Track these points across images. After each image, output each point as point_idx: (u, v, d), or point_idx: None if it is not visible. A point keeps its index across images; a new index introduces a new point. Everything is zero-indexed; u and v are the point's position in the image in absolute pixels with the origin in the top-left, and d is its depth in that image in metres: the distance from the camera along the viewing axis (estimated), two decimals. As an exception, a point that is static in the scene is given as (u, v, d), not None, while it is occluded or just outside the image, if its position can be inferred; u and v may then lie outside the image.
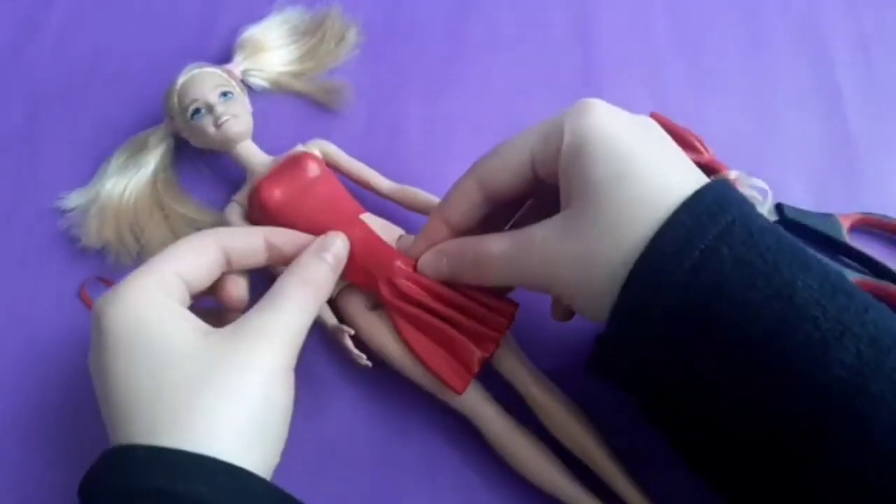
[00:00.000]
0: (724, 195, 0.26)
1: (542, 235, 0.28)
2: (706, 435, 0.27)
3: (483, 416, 0.33)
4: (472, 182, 0.31)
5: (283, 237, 0.32)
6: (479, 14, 0.47)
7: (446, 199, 0.32)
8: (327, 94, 0.43)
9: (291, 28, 0.45)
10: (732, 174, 0.39)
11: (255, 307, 0.29)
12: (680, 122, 0.39)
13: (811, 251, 0.26)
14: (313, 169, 0.36)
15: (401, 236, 0.35)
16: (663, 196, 0.26)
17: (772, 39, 0.46)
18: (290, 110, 0.43)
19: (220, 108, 0.37)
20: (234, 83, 0.40)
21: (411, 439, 0.35)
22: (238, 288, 0.31)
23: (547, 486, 0.32)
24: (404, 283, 0.33)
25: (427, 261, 0.32)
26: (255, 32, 0.43)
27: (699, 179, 0.27)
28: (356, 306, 0.34)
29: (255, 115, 0.40)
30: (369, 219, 0.36)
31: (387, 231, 0.35)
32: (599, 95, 0.29)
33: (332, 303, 0.35)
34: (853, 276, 0.37)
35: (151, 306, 0.27)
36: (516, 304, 0.33)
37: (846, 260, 0.38)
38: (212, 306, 0.31)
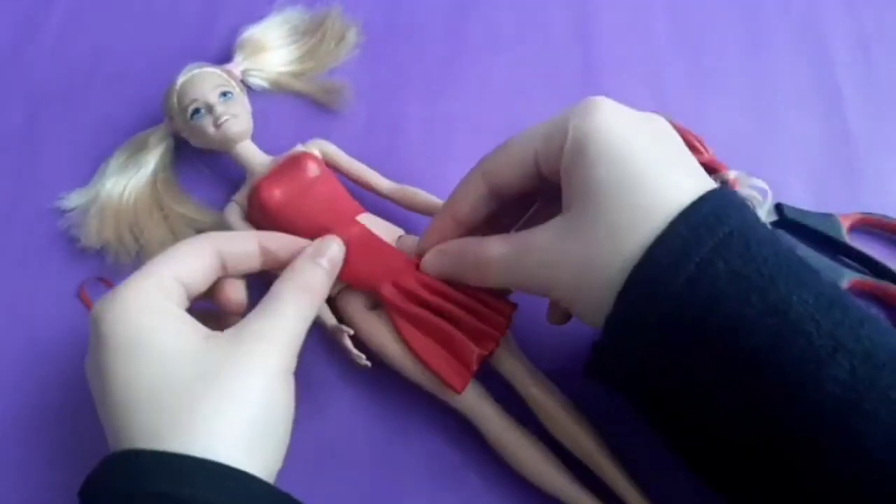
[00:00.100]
0: (723, 205, 0.26)
1: (540, 240, 0.28)
2: (703, 443, 0.27)
3: (483, 416, 0.33)
4: (479, 176, 0.31)
5: (278, 242, 0.32)
6: (479, 14, 0.47)
7: (454, 193, 0.32)
8: (327, 94, 0.43)
9: (291, 28, 0.45)
10: (732, 174, 0.39)
11: (254, 312, 0.29)
12: (680, 122, 0.39)
13: (810, 262, 0.26)
14: (313, 169, 0.36)
15: (401, 236, 0.35)
16: (663, 203, 0.26)
17: (772, 39, 0.46)
18: (290, 110, 0.43)
19: (219, 108, 0.37)
20: (233, 83, 0.39)
21: (411, 439, 0.35)
22: (237, 292, 0.31)
23: (547, 486, 0.32)
24: (407, 282, 0.33)
25: (429, 260, 0.33)
26: (255, 32, 0.43)
27: (703, 184, 0.27)
28: (355, 306, 0.34)
29: (255, 115, 0.40)
30: (369, 219, 0.36)
31: (387, 231, 0.36)
32: (599, 95, 0.28)
33: (332, 303, 0.35)
34: (853, 276, 0.37)
35: (151, 310, 0.27)
36: (515, 305, 0.33)
37: (846, 260, 0.38)
38: (209, 308, 0.31)
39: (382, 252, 0.34)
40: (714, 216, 0.25)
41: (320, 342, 0.36)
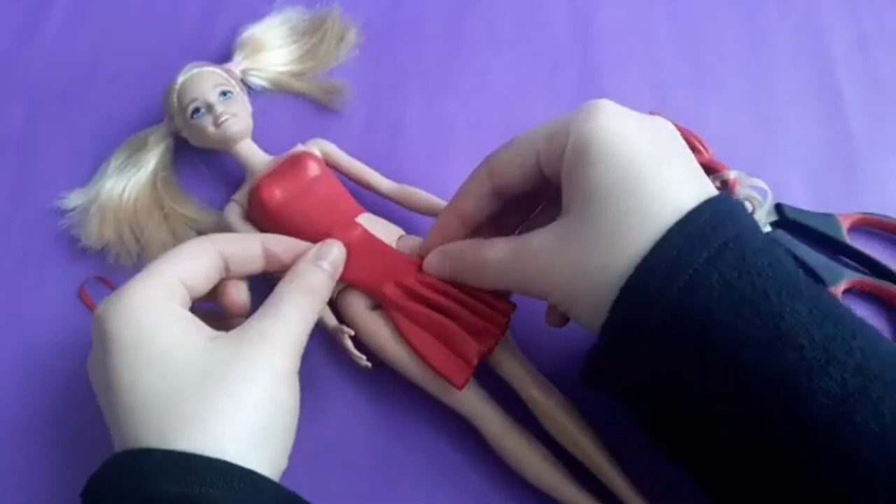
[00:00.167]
0: (721, 213, 0.26)
1: (538, 245, 0.28)
2: (697, 450, 0.27)
3: (483, 417, 0.33)
4: (484, 173, 0.31)
5: (281, 244, 0.32)
6: (479, 14, 0.47)
7: (459, 191, 0.32)
8: (327, 94, 0.43)
9: (291, 28, 0.44)
10: (732, 174, 0.39)
11: (257, 313, 0.29)
12: (680, 122, 0.39)
13: (809, 264, 0.26)
14: (313, 168, 0.36)
15: (401, 237, 0.35)
16: (661, 209, 0.26)
17: (772, 39, 0.46)
18: (290, 110, 0.43)
19: (219, 108, 0.37)
20: (233, 82, 0.39)
21: (411, 439, 0.35)
22: (240, 293, 0.31)
23: (546, 486, 0.32)
24: (409, 282, 0.33)
25: (431, 260, 0.33)
26: (254, 32, 0.43)
27: (703, 190, 0.27)
28: (356, 307, 0.34)
29: (255, 114, 0.40)
30: (369, 219, 0.36)
31: (387, 231, 0.36)
32: (599, 95, 0.29)
33: (332, 303, 0.35)
34: (853, 277, 0.37)
35: (156, 311, 0.27)
36: (514, 305, 0.33)
37: (846, 260, 0.38)
38: (211, 310, 0.31)
39: (384, 254, 0.34)
40: (710, 226, 0.25)
41: (321, 343, 0.36)
